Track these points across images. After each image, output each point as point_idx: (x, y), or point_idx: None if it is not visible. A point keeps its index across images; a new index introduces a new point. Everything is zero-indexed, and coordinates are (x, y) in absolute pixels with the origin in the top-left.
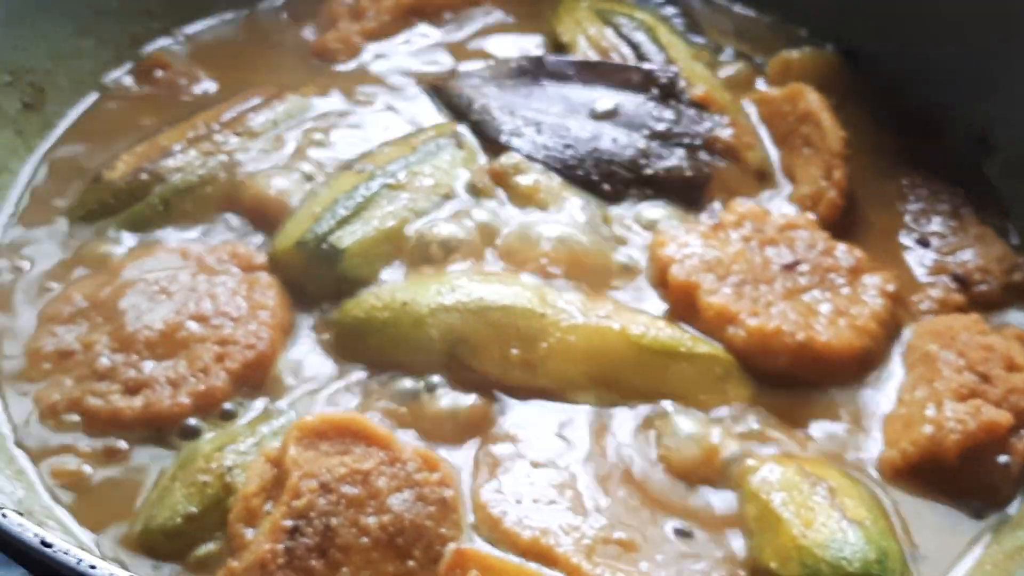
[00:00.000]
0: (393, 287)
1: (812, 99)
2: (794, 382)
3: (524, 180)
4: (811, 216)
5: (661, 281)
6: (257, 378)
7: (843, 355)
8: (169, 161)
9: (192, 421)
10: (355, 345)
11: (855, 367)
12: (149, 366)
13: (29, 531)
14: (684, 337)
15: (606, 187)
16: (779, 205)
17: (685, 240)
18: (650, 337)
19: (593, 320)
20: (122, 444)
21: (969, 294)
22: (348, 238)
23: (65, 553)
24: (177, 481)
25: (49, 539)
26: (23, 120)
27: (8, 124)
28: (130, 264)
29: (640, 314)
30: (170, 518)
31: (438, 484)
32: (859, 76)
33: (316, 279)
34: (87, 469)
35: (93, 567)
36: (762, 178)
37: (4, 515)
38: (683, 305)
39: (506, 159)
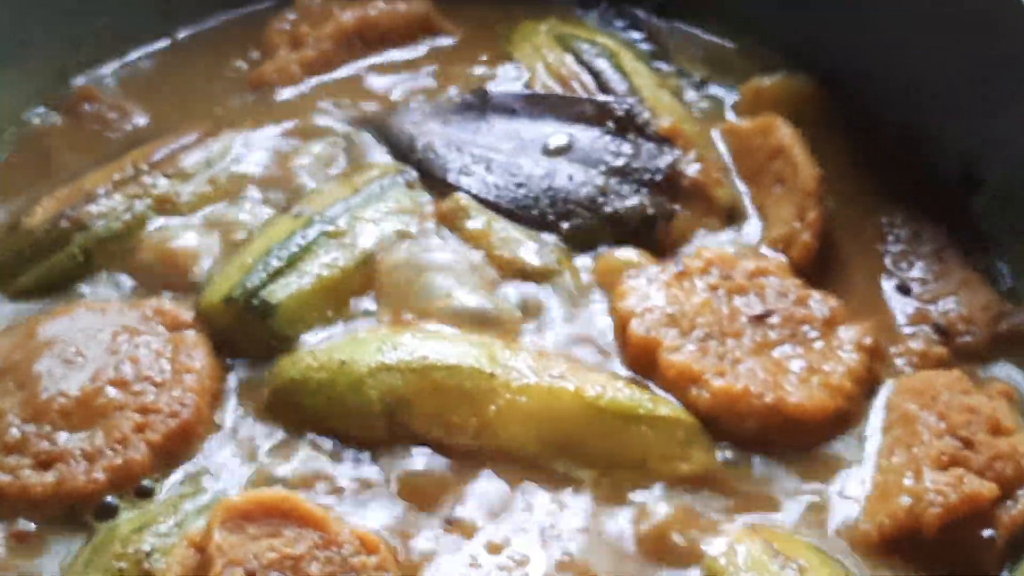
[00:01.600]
0: (331, 345)
1: (784, 133)
2: (763, 445)
3: (474, 224)
4: (783, 260)
5: (622, 336)
6: (181, 449)
7: (816, 417)
8: (92, 207)
9: (109, 499)
10: (289, 409)
11: (829, 429)
12: (63, 437)
13: None
14: (644, 398)
15: (567, 226)
16: (749, 248)
17: (647, 291)
18: (607, 399)
19: (546, 380)
20: (30, 525)
21: (952, 346)
22: (281, 292)
23: None
24: (91, 567)
25: None
26: None
27: None
28: (46, 323)
29: (597, 374)
30: None
31: (376, 570)
32: (836, 105)
33: (247, 337)
34: None
35: None
36: (731, 218)
37: None
38: (644, 363)
39: (454, 200)
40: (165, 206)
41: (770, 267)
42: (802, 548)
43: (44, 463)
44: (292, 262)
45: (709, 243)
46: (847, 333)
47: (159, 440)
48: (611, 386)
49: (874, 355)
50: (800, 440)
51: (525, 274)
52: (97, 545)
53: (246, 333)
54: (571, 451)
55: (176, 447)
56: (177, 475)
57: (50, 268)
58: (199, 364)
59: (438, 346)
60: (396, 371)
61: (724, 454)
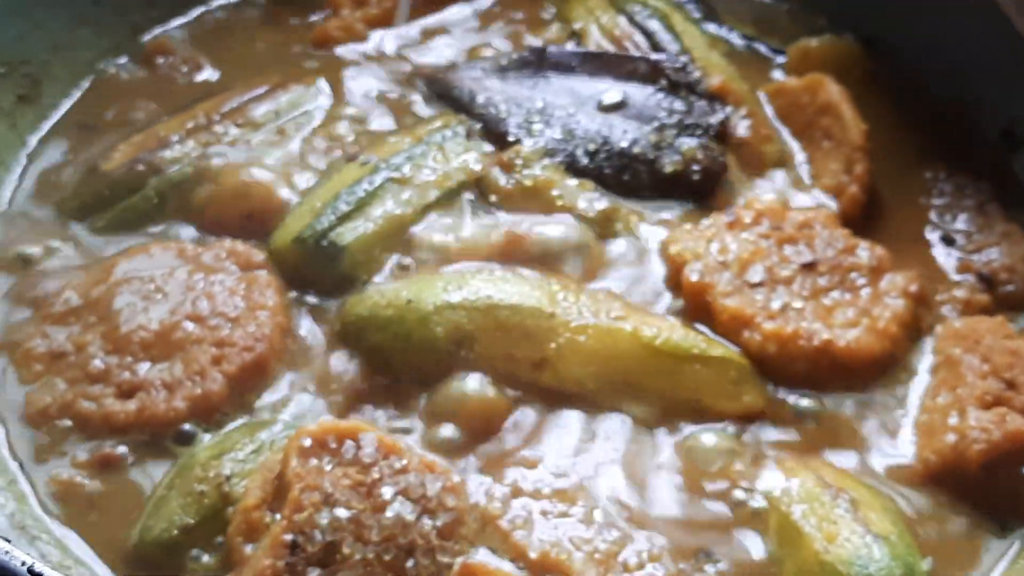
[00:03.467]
0: (398, 284)
1: (833, 90)
2: (812, 387)
3: (534, 174)
4: (831, 211)
5: (675, 282)
6: (256, 382)
7: (863, 360)
8: (166, 152)
9: (188, 427)
10: (358, 344)
11: (876, 372)
12: (144, 368)
13: (16, 559)
14: (698, 339)
15: (621, 180)
16: (797, 200)
17: (699, 238)
18: (663, 339)
19: (604, 320)
20: (117, 450)
21: (995, 295)
22: (349, 235)
23: None
24: (173, 490)
25: (37, 568)
26: (17, 113)
27: (2, 118)
28: (124, 261)
29: (653, 315)
30: (166, 529)
31: (445, 495)
32: (880, 66)
33: (315, 277)
34: (80, 477)
35: None
36: (780, 172)
37: None
38: (697, 307)
39: (515, 152)
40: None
41: (819, 218)
42: (852, 482)
43: (126, 392)
44: (359, 207)
45: (759, 196)
46: (893, 280)
47: (235, 372)
48: (666, 327)
49: (920, 302)
50: (848, 382)
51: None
52: (179, 469)
53: (315, 273)
54: (628, 389)
55: (250, 380)
56: (254, 407)
57: (126, 209)
58: (271, 302)
59: (501, 286)
60: (461, 309)
61: (775, 394)
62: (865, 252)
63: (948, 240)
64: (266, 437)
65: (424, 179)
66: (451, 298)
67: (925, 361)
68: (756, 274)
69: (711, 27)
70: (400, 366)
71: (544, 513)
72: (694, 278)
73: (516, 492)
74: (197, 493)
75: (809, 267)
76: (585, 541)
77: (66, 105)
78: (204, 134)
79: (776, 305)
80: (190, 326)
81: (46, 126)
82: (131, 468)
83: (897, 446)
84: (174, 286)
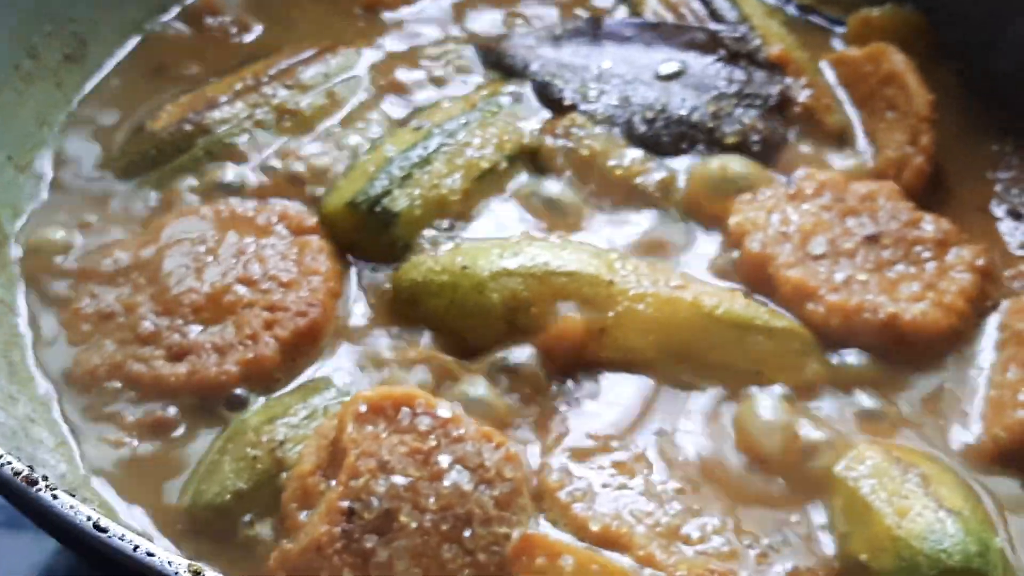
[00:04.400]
0: (452, 250)
1: (897, 59)
2: (876, 362)
3: (591, 142)
4: (895, 184)
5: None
6: (309, 347)
7: (929, 334)
8: (215, 113)
9: (240, 391)
10: (412, 310)
11: (942, 346)
12: (194, 331)
13: (82, 514)
14: (760, 310)
15: (680, 148)
16: (861, 172)
17: (760, 209)
18: (723, 309)
19: (664, 290)
20: (167, 413)
21: None
22: (403, 200)
23: (120, 539)
24: (226, 455)
25: (103, 523)
26: (64, 72)
27: (49, 76)
28: (173, 222)
29: (713, 285)
30: (219, 494)
31: (503, 465)
32: (942, 36)
33: (368, 242)
34: (130, 440)
35: (151, 554)
36: (842, 143)
37: (55, 495)
38: (759, 278)
39: (571, 119)
40: (284, 115)
41: (882, 190)
42: (921, 457)
43: (177, 355)
44: (412, 172)
45: (821, 167)
46: (960, 254)
47: (287, 337)
48: (727, 297)
49: (986, 276)
50: (914, 356)
51: (640, 192)
52: (231, 434)
53: (368, 238)
54: (688, 359)
55: (304, 344)
56: (307, 372)
57: (174, 169)
58: (323, 267)
59: (558, 253)
60: (517, 276)
61: (838, 368)
62: (930, 225)
63: (1015, 214)
64: (319, 403)
65: (479, 145)
66: (507, 264)
67: (992, 336)
68: (819, 246)
69: None
70: (454, 332)
71: (604, 485)
72: (755, 248)
73: (576, 463)
74: (251, 458)
75: (872, 239)
76: (647, 514)
77: (112, 64)
78: (253, 95)
79: (839, 277)
80: (241, 289)
81: (92, 85)
82: (181, 432)
83: (966, 423)
84: (225, 249)
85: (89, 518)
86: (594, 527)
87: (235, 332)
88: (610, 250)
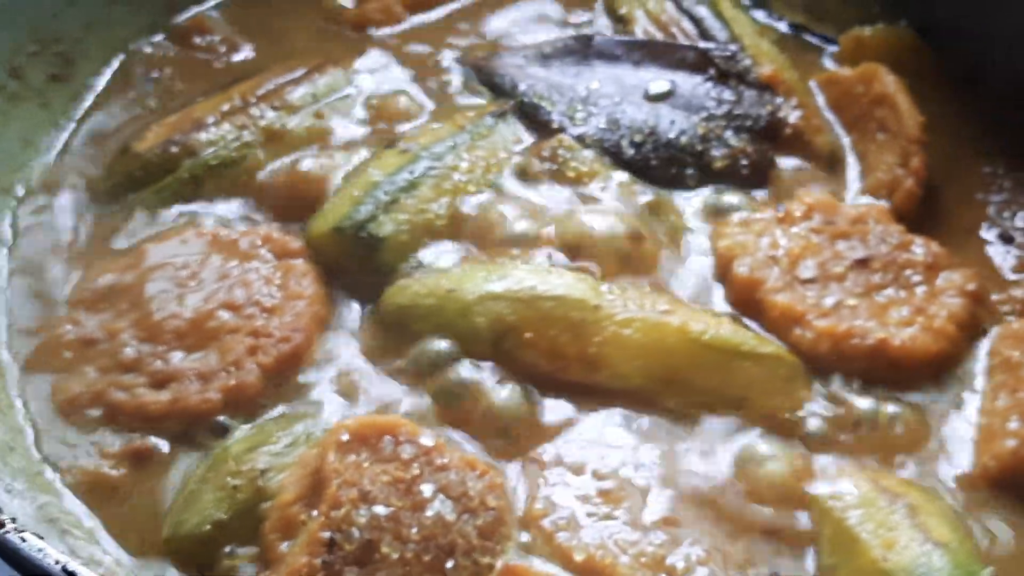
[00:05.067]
0: (438, 274)
1: (888, 80)
2: (865, 387)
3: (578, 165)
4: (884, 206)
5: (724, 276)
6: (292, 373)
7: (919, 359)
8: (201, 134)
9: (222, 418)
10: (397, 335)
11: (931, 372)
12: (177, 358)
13: (50, 557)
14: (747, 336)
15: (668, 173)
16: (851, 194)
17: (748, 233)
18: (711, 334)
19: (651, 314)
20: (148, 442)
21: None
22: (389, 226)
23: None
24: (207, 484)
25: (71, 567)
26: (50, 92)
27: (34, 96)
28: (157, 246)
29: (701, 310)
30: (199, 524)
31: (486, 493)
32: (936, 56)
33: (354, 267)
34: (110, 469)
35: None
36: (832, 165)
37: (23, 539)
38: (747, 302)
39: (558, 142)
40: (272, 137)
41: (872, 213)
42: (909, 486)
43: (159, 382)
44: (399, 196)
45: (810, 189)
46: (950, 278)
47: (271, 363)
48: (715, 322)
49: (977, 301)
50: (902, 382)
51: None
52: (212, 462)
53: (353, 263)
54: (675, 385)
55: (287, 371)
56: (290, 399)
57: (159, 191)
58: (308, 291)
59: (545, 277)
60: (503, 300)
61: (826, 394)
62: (920, 249)
63: (1006, 238)
64: (302, 431)
65: (466, 169)
66: (493, 288)
67: (981, 363)
68: (807, 270)
69: (760, 14)
70: None
71: (588, 515)
72: (743, 273)
73: (560, 492)
74: (231, 487)
75: (862, 263)
76: (631, 544)
77: (99, 84)
78: (240, 116)
79: (828, 302)
80: (225, 315)
81: (79, 105)
82: (163, 460)
83: (955, 451)
84: (208, 273)
85: (58, 562)
86: (578, 557)
87: (218, 358)
88: (598, 276)
